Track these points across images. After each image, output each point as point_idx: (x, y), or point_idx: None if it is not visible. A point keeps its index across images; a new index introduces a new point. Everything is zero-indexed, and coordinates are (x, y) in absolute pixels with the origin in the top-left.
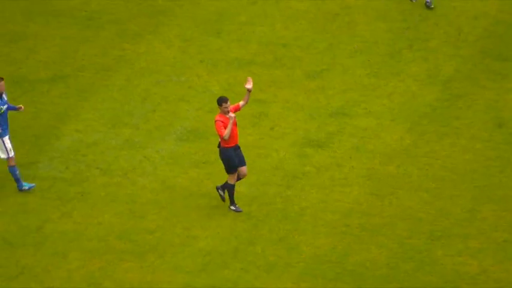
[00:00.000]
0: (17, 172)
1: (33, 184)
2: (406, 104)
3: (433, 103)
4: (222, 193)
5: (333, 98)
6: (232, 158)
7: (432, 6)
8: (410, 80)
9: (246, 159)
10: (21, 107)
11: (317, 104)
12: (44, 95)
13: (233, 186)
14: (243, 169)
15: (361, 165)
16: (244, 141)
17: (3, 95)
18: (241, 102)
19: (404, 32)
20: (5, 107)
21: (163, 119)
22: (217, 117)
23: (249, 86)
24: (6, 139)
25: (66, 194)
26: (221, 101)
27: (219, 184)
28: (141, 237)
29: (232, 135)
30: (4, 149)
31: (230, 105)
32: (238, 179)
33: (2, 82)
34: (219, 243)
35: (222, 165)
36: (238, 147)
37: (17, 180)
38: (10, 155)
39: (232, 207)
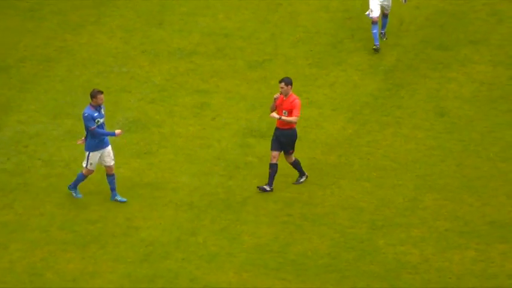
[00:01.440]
0: (81, 181)
1: (125, 199)
2: (348, 94)
3: (375, 93)
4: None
5: (275, 88)
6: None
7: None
8: (352, 69)
9: (188, 150)
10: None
11: (259, 94)
12: None
13: (292, 165)
14: (272, 153)
15: (303, 154)
16: (186, 132)
17: (102, 109)
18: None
19: (346, 22)
20: (102, 120)
21: (106, 109)
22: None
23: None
24: (93, 155)
25: (7, 185)
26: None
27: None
28: (83, 227)
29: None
30: (86, 160)
31: (286, 89)
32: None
33: (101, 95)
34: (160, 233)
35: (163, 156)
36: (279, 132)
37: (75, 186)
38: (87, 167)
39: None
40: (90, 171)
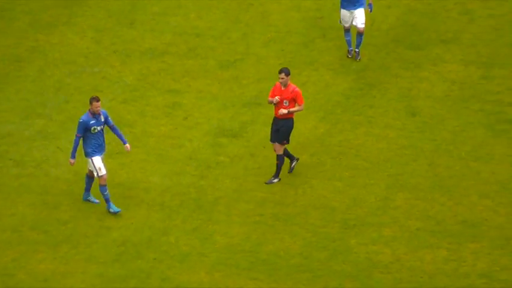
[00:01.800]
0: (106, 193)
1: (119, 209)
2: (320, 93)
3: (347, 92)
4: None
5: (246, 88)
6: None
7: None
8: (324, 69)
9: (159, 149)
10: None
11: (231, 94)
12: None
13: (278, 156)
14: (273, 145)
15: (275, 154)
16: (158, 132)
17: (101, 116)
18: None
19: (317, 21)
20: (100, 127)
21: (77, 109)
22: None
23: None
24: (96, 159)
25: None
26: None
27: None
28: (55, 228)
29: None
30: (93, 168)
31: (286, 79)
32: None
33: (95, 103)
34: (132, 233)
35: (135, 156)
36: (277, 121)
37: (106, 201)
38: (99, 175)
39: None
40: (103, 177)
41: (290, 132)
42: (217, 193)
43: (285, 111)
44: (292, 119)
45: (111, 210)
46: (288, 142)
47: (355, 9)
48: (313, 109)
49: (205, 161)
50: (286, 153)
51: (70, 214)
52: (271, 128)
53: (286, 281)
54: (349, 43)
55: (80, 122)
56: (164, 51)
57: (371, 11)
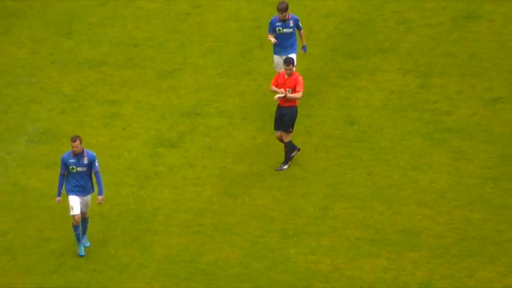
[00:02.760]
0: (76, 233)
1: (83, 254)
2: (258, 103)
3: None
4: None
5: (184, 98)
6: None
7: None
8: (262, 78)
9: (99, 160)
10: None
11: (169, 104)
12: None
13: (285, 144)
14: (277, 134)
15: (214, 164)
16: (96, 142)
17: (84, 158)
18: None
19: (255, 31)
20: (80, 168)
21: (15, 120)
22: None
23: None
24: (72, 197)
25: None
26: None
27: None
28: None
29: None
30: (68, 205)
31: (292, 69)
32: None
33: (72, 143)
34: (71, 244)
35: None
36: (281, 109)
37: (77, 240)
38: (70, 214)
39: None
40: (75, 218)
41: (295, 119)
42: (156, 203)
43: (281, 95)
44: (295, 107)
45: (78, 250)
46: (292, 130)
47: (287, 54)
48: (252, 119)
49: (144, 171)
50: (288, 152)
51: (9, 225)
52: (275, 115)
53: None
54: None
55: (60, 158)
56: (102, 61)
57: (305, 51)
